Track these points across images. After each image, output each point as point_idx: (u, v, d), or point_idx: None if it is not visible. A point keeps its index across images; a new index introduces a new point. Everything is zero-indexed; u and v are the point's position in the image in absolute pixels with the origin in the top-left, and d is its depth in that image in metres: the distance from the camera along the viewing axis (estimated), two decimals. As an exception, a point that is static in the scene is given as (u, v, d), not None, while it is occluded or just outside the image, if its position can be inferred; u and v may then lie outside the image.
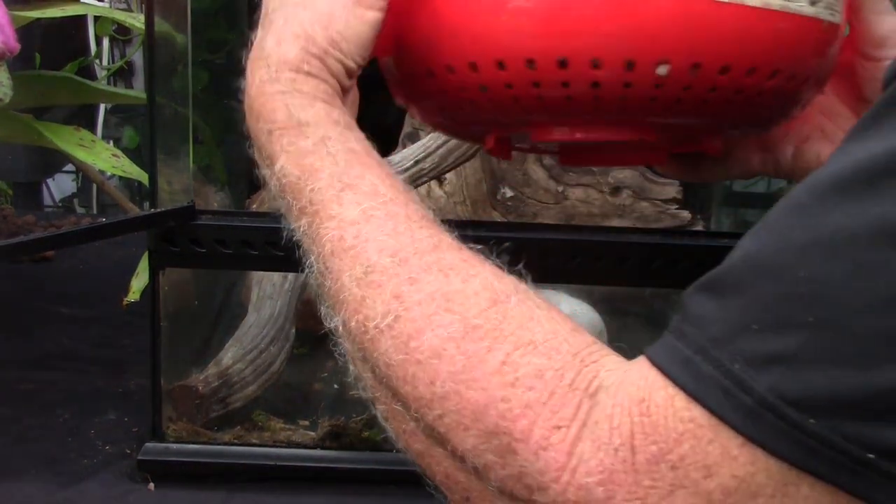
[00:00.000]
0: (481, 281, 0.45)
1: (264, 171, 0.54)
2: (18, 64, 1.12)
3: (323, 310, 0.50)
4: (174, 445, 0.83)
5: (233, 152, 1.33)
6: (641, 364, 0.40)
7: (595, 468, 0.37)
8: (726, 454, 0.36)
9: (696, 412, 0.36)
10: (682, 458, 0.36)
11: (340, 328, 0.48)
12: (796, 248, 0.36)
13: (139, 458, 0.82)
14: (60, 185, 2.05)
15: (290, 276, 0.91)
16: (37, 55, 1.34)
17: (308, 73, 0.52)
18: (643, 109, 0.53)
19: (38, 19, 0.99)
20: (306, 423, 0.87)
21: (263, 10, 0.55)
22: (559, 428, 0.39)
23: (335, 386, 0.92)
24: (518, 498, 0.40)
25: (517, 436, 0.39)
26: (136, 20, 1.14)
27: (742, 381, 0.35)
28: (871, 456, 0.34)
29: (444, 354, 0.42)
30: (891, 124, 0.35)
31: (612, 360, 0.42)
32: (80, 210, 2.04)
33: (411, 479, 0.83)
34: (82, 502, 0.79)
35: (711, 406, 0.36)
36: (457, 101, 0.56)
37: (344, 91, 0.54)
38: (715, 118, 0.55)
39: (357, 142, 0.51)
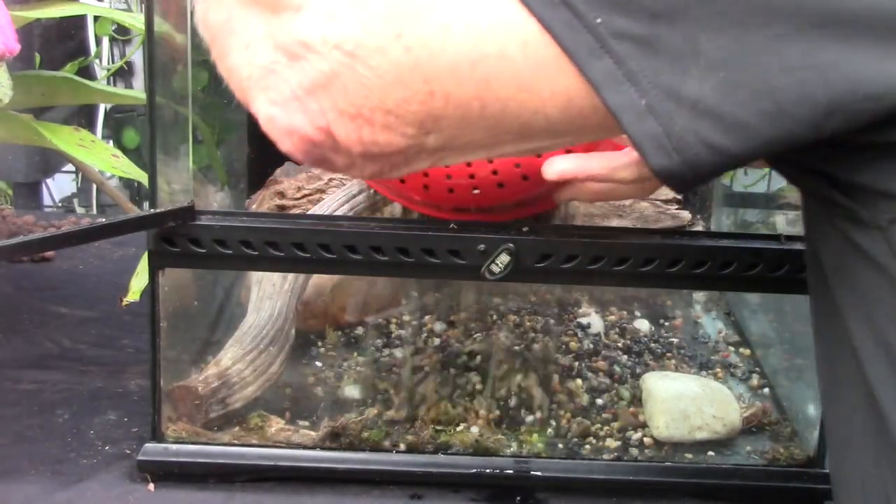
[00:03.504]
0: None
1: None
2: (18, 64, 1.12)
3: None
4: (174, 446, 0.83)
5: (233, 152, 1.33)
6: None
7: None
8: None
9: None
10: None
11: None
12: None
13: (139, 458, 0.82)
14: (60, 185, 2.05)
15: (290, 276, 0.91)
16: (37, 55, 1.34)
17: None
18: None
19: (38, 19, 0.99)
20: (306, 423, 0.87)
21: None
22: None
23: (335, 386, 0.92)
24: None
25: None
26: (136, 20, 1.14)
27: None
28: None
29: None
30: None
31: None
32: (80, 210, 2.04)
33: (411, 480, 0.83)
34: (82, 502, 0.79)
35: None
36: None
37: None
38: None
39: None
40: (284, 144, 0.48)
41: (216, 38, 0.50)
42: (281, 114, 0.47)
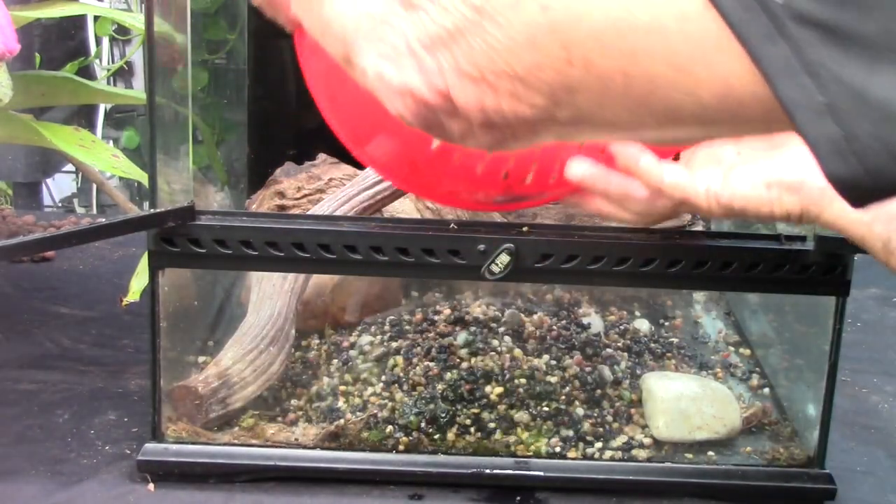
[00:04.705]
0: None
1: None
2: (18, 64, 1.12)
3: None
4: (174, 446, 0.83)
5: (233, 152, 1.33)
6: None
7: None
8: None
9: None
10: None
11: None
12: None
13: (139, 458, 0.82)
14: (60, 185, 2.05)
15: (290, 276, 0.91)
16: (37, 55, 1.34)
17: None
18: None
19: (38, 19, 0.99)
20: (305, 423, 0.87)
21: None
22: None
23: (335, 386, 0.92)
24: None
25: None
26: (136, 20, 1.14)
27: None
28: None
29: None
30: None
31: None
32: (80, 210, 2.04)
33: (411, 480, 0.83)
34: (82, 502, 0.79)
35: None
36: None
37: None
38: None
39: None
40: (395, 105, 0.43)
41: None
42: (393, 70, 0.42)
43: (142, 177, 0.95)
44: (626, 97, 0.39)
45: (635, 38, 0.37)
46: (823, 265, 0.80)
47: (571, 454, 0.86)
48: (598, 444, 0.87)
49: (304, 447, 0.84)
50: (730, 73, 0.36)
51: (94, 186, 1.96)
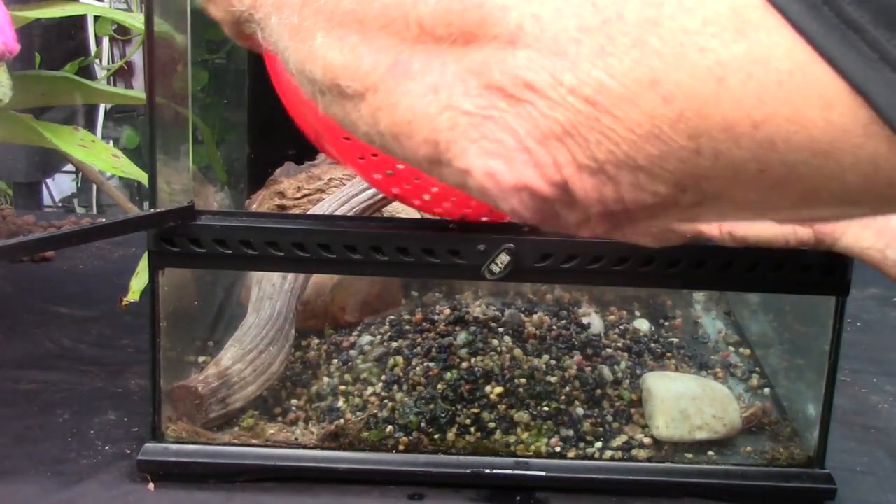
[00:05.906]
0: None
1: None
2: (18, 64, 1.12)
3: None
4: (174, 446, 0.83)
5: (233, 152, 1.33)
6: None
7: None
8: None
9: None
10: None
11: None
12: None
13: (139, 458, 0.82)
14: (60, 185, 2.06)
15: (290, 276, 0.91)
16: (37, 55, 1.34)
17: None
18: None
19: (38, 19, 0.99)
20: (305, 423, 0.87)
21: None
22: None
23: (335, 386, 0.92)
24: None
25: None
26: (136, 20, 1.14)
27: None
28: None
29: None
30: None
31: None
32: (79, 210, 2.04)
33: (411, 480, 0.83)
34: (82, 502, 0.79)
35: None
36: None
37: None
38: None
39: None
40: (510, 202, 0.40)
41: (376, 87, 0.41)
42: (505, 168, 0.39)
43: (142, 177, 0.95)
44: (759, 182, 0.36)
45: (772, 128, 0.34)
46: (823, 265, 0.80)
47: (571, 454, 0.86)
48: (598, 444, 0.87)
49: (305, 447, 0.84)
50: (878, 155, 0.34)
51: (94, 186, 1.96)
